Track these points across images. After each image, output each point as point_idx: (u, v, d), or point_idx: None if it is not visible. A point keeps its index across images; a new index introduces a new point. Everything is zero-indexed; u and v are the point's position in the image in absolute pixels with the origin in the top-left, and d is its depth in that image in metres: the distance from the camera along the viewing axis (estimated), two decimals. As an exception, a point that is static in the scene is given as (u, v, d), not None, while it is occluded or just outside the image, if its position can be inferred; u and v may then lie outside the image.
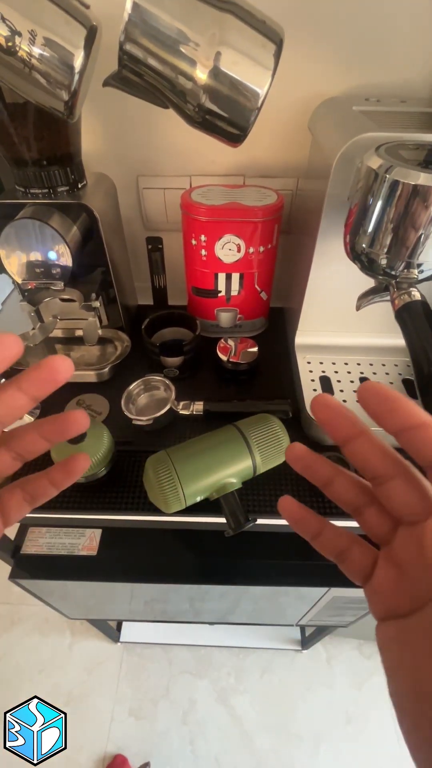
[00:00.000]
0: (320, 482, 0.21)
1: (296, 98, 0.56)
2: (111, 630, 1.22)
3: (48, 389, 0.19)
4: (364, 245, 0.37)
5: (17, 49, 0.32)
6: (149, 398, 0.57)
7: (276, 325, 0.71)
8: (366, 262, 0.38)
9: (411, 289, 0.36)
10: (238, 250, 0.57)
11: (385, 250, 0.36)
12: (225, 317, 0.66)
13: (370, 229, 0.36)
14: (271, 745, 1.13)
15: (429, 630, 0.15)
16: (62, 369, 0.19)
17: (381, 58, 0.52)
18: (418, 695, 0.14)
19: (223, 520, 0.44)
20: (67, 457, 0.23)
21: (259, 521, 0.46)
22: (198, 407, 0.53)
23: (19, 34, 0.31)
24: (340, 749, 1.11)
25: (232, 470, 0.43)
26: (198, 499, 0.43)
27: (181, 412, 0.53)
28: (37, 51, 0.32)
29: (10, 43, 0.31)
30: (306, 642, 1.22)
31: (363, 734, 1.13)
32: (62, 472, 0.23)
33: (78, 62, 0.33)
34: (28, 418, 0.54)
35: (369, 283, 0.44)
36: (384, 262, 0.36)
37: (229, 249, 0.57)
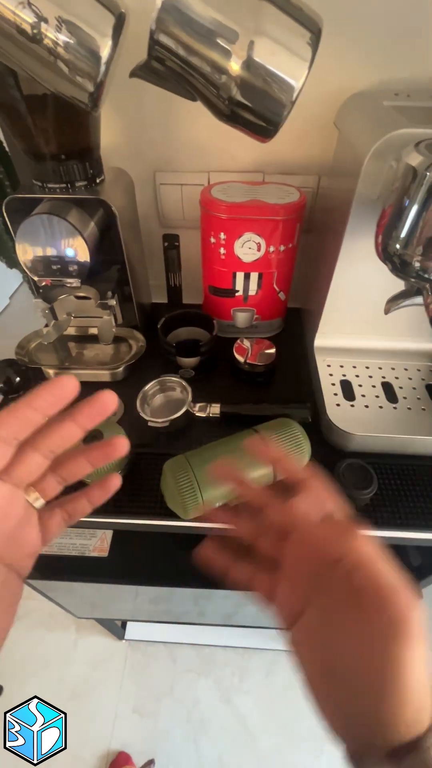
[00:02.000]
0: (235, 532, 0.27)
1: (321, 92, 0.54)
2: (116, 627, 1.21)
3: (98, 421, 0.22)
4: (398, 246, 0.36)
5: (43, 36, 0.30)
6: (165, 399, 0.56)
7: (292, 326, 0.70)
8: (399, 264, 0.37)
9: (446, 293, 0.34)
10: (258, 249, 0.56)
11: (420, 251, 0.34)
12: (242, 317, 0.65)
13: (406, 229, 0.34)
14: (274, 745, 1.12)
15: (315, 624, 0.20)
16: (111, 403, 0.22)
17: (411, 52, 0.50)
18: (323, 674, 0.20)
19: (227, 525, 0.43)
20: (104, 477, 0.25)
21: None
22: (215, 410, 0.52)
23: (46, 21, 0.30)
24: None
25: (251, 476, 0.42)
26: (216, 505, 0.42)
27: (197, 414, 0.52)
28: (63, 39, 0.30)
29: (35, 30, 0.30)
30: (311, 644, 1.22)
31: (367, 738, 1.12)
32: (100, 491, 0.25)
33: (105, 51, 0.32)
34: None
35: (395, 285, 0.42)
36: (418, 264, 0.35)
37: (248, 248, 0.56)
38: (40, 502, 0.23)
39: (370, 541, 0.20)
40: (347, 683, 0.18)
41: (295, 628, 0.21)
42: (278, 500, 0.25)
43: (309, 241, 0.64)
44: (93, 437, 0.44)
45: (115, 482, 0.25)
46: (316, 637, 0.20)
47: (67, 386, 0.21)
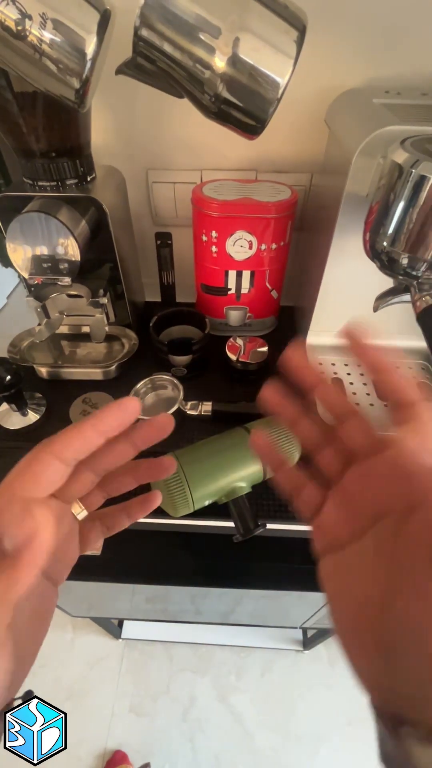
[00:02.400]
0: (288, 421, 0.24)
1: (312, 90, 0.54)
2: (113, 626, 1.22)
3: (152, 443, 0.23)
4: (385, 243, 0.36)
5: (27, 33, 0.30)
6: (156, 397, 0.56)
7: (285, 324, 0.70)
8: (386, 262, 0.37)
9: (433, 290, 0.34)
10: (250, 247, 0.56)
11: (408, 249, 0.34)
12: (234, 315, 0.65)
13: (393, 226, 0.34)
14: (270, 745, 1.12)
15: (365, 555, 0.18)
16: (168, 425, 0.23)
17: (401, 50, 0.50)
18: (357, 610, 0.17)
19: (229, 523, 0.43)
20: (146, 494, 0.26)
21: (268, 526, 0.45)
22: (206, 408, 0.52)
23: (30, 18, 0.30)
24: (340, 750, 1.11)
25: (241, 474, 0.42)
26: (206, 503, 0.42)
27: (189, 412, 0.52)
28: (48, 35, 0.30)
29: (20, 27, 0.30)
30: (308, 643, 1.22)
31: (363, 736, 1.12)
32: (141, 507, 0.25)
33: (90, 48, 0.32)
34: (32, 416, 0.54)
35: (385, 282, 0.42)
36: (405, 261, 0.35)
37: (240, 246, 0.56)
38: (83, 515, 0.23)
39: None
40: (398, 651, 0.15)
41: (332, 558, 0.19)
42: (365, 419, 0.21)
43: (302, 239, 0.64)
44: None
45: (156, 500, 0.25)
46: (365, 584, 0.17)
47: (129, 409, 0.21)
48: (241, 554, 0.67)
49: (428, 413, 0.19)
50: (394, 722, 0.15)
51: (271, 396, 0.24)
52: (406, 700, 0.15)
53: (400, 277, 0.37)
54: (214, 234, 0.55)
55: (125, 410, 0.21)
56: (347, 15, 0.48)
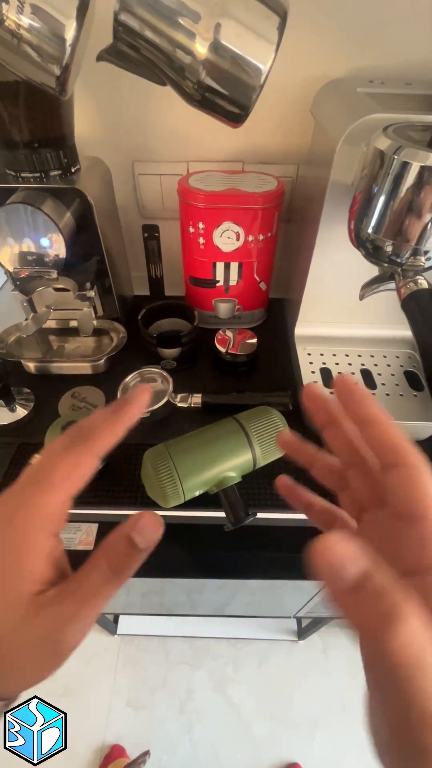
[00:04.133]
0: (305, 464, 0.24)
1: (298, 81, 0.54)
2: (108, 622, 1.22)
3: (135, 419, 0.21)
4: (369, 231, 0.36)
5: (4, 18, 0.30)
6: (146, 390, 0.56)
7: (275, 316, 0.70)
8: (371, 249, 0.37)
9: (417, 277, 0.35)
10: (237, 239, 0.56)
11: (392, 235, 0.35)
12: (223, 308, 0.65)
13: (376, 213, 0.34)
14: (267, 733, 1.14)
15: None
16: (145, 395, 0.21)
17: (385, 40, 0.50)
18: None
19: (221, 513, 0.43)
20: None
21: (259, 515, 0.46)
22: (196, 400, 0.52)
23: (7, 2, 0.29)
24: (335, 735, 1.13)
25: (231, 464, 0.43)
26: (197, 493, 0.42)
27: (178, 404, 0.52)
28: (26, 20, 0.30)
29: (-4, 11, 0.29)
30: (302, 633, 1.23)
31: (357, 721, 1.14)
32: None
33: (70, 33, 0.31)
34: (21, 411, 0.53)
35: (372, 272, 0.43)
36: (390, 249, 0.35)
37: (227, 237, 0.56)
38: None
39: None
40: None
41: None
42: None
43: (289, 230, 0.64)
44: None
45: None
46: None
47: (146, 398, 0.21)
48: (235, 544, 0.67)
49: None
50: None
51: (288, 445, 0.24)
52: None
53: (385, 265, 0.38)
54: (201, 225, 0.55)
55: (144, 400, 0.21)
56: (331, 5, 0.48)
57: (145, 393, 0.21)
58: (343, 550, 0.14)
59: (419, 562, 0.16)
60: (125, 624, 1.26)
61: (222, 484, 0.42)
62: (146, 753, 1.08)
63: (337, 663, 1.25)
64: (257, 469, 0.45)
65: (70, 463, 0.18)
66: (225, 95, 0.33)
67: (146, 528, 0.18)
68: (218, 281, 0.61)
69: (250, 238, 0.56)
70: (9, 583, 0.16)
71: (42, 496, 0.17)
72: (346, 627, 0.14)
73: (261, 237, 0.56)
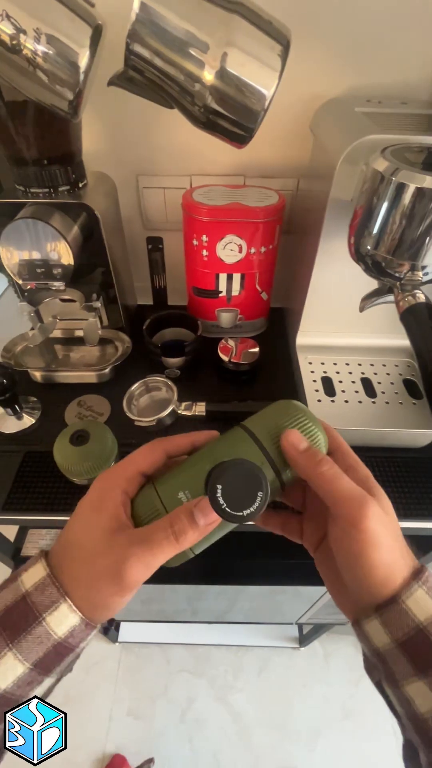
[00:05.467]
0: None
1: (298, 98, 0.56)
2: (109, 630, 1.21)
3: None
4: (368, 247, 0.37)
5: (22, 47, 0.31)
6: (150, 399, 0.57)
7: (276, 325, 0.71)
8: (370, 264, 0.38)
9: (416, 291, 0.36)
10: (240, 251, 0.57)
11: (390, 252, 0.36)
12: (226, 317, 0.66)
13: (375, 231, 0.36)
14: (269, 742, 1.13)
15: (326, 547, 0.27)
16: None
17: (382, 60, 0.52)
18: (334, 577, 0.26)
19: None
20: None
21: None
22: (200, 408, 0.53)
23: (24, 32, 0.31)
24: (337, 744, 1.12)
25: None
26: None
27: (183, 413, 0.53)
28: (41, 49, 0.31)
29: (14, 41, 0.31)
30: (303, 639, 1.23)
31: (360, 729, 1.14)
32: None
33: (83, 61, 0.33)
34: (28, 419, 0.54)
35: (371, 284, 0.44)
36: (388, 264, 0.37)
37: (230, 249, 0.57)
38: None
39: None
40: (344, 576, 0.25)
41: (317, 553, 0.28)
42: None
43: (289, 242, 0.65)
44: (80, 437, 0.45)
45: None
46: (328, 553, 0.26)
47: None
48: (235, 551, 0.68)
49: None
50: (355, 623, 0.24)
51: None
52: (355, 599, 0.25)
53: (384, 279, 0.39)
54: (204, 238, 0.56)
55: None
56: (330, 27, 0.50)
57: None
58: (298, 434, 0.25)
59: (346, 464, 0.26)
60: (126, 631, 1.25)
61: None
62: (150, 760, 1.07)
63: (338, 670, 1.24)
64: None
65: (145, 450, 0.26)
66: (230, 119, 0.34)
67: (205, 509, 0.22)
68: (221, 292, 0.63)
69: (252, 250, 0.57)
70: (97, 516, 0.23)
71: (124, 467, 0.25)
72: (326, 501, 0.24)
73: (263, 249, 0.58)
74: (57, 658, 0.22)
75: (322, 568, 0.28)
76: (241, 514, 0.21)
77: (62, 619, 0.21)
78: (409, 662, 0.21)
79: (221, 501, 0.22)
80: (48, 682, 0.23)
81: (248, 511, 0.21)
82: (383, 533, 0.22)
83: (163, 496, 0.25)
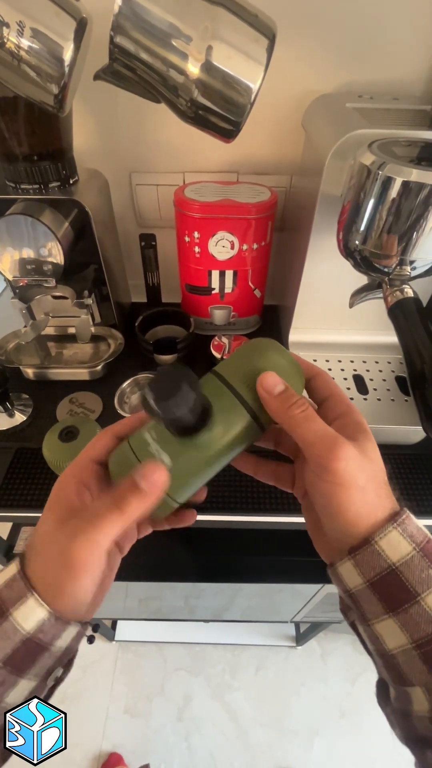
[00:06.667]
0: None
1: (290, 95, 0.55)
2: (106, 628, 1.21)
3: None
4: (357, 242, 0.37)
5: (5, 40, 0.31)
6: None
7: (269, 322, 0.71)
8: (359, 260, 0.38)
9: (403, 286, 0.36)
10: (232, 247, 0.57)
11: (378, 247, 0.36)
12: (219, 315, 0.66)
13: (363, 226, 0.36)
14: (265, 740, 1.13)
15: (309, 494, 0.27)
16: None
17: (374, 56, 0.52)
18: (315, 522, 0.26)
19: (219, 517, 0.44)
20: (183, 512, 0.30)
21: (255, 519, 0.47)
22: (192, 405, 0.53)
23: (7, 26, 0.30)
24: (334, 743, 1.12)
25: (226, 442, 0.25)
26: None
27: (174, 409, 0.53)
28: (25, 43, 0.31)
29: (-2, 35, 0.31)
30: (300, 638, 1.23)
31: (356, 728, 1.14)
32: (169, 520, 0.30)
33: (68, 55, 0.32)
34: (19, 416, 0.54)
35: (362, 279, 0.44)
36: (376, 259, 0.36)
37: (222, 246, 0.57)
38: None
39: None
40: (322, 521, 0.25)
41: (303, 499, 0.29)
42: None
43: (282, 239, 0.65)
44: (69, 433, 0.45)
45: (190, 519, 0.30)
46: (310, 501, 0.27)
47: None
48: (232, 548, 0.68)
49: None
50: (330, 566, 0.25)
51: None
52: (332, 542, 0.25)
53: (373, 274, 0.39)
54: (196, 235, 0.56)
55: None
56: (322, 24, 0.50)
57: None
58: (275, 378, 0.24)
59: (338, 410, 0.26)
60: (123, 630, 1.25)
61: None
62: (146, 766, 1.07)
63: (335, 669, 1.24)
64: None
65: (94, 439, 0.27)
66: (217, 112, 0.34)
67: (146, 470, 0.22)
68: (214, 289, 0.63)
69: (245, 247, 0.57)
70: (51, 513, 0.24)
71: (75, 460, 0.26)
72: (303, 447, 0.23)
73: (255, 246, 0.58)
74: (28, 656, 0.22)
75: (306, 514, 0.28)
76: (167, 403, 0.21)
77: (29, 613, 0.21)
78: (380, 601, 0.22)
79: (151, 402, 0.22)
80: (24, 684, 0.22)
81: (174, 400, 0.21)
82: (357, 475, 0.22)
83: (134, 445, 0.26)
